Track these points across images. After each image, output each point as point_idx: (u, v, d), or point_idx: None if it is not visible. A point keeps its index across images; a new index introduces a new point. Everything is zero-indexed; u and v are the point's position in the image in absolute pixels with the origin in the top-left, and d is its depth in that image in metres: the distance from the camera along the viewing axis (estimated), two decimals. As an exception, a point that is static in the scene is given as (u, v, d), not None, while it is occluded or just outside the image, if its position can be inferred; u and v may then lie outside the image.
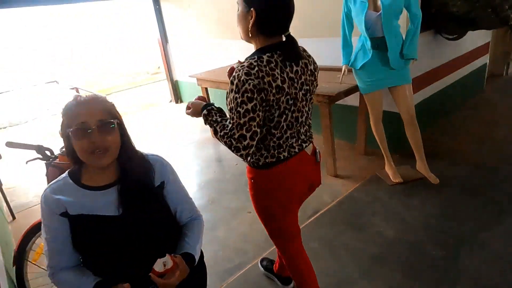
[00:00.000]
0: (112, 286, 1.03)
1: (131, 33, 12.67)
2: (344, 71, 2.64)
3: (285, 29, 1.24)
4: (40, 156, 1.72)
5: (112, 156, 1.06)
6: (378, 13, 2.26)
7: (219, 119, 1.28)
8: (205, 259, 1.32)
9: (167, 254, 1.05)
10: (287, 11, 1.21)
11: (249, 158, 1.31)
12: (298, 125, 1.32)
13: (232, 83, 1.18)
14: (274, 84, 1.17)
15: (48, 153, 1.78)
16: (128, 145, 1.12)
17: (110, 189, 1.09)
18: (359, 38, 2.48)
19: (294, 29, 1.28)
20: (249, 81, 1.14)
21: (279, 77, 1.19)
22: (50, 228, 1.07)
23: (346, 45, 2.56)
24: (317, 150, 1.46)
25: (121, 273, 1.07)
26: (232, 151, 1.21)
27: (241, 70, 1.16)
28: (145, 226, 1.10)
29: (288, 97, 1.23)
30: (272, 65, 1.19)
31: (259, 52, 1.22)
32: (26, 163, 1.75)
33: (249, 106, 1.16)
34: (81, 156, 1.04)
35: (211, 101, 1.42)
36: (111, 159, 1.06)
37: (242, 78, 1.15)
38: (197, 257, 1.17)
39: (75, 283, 1.07)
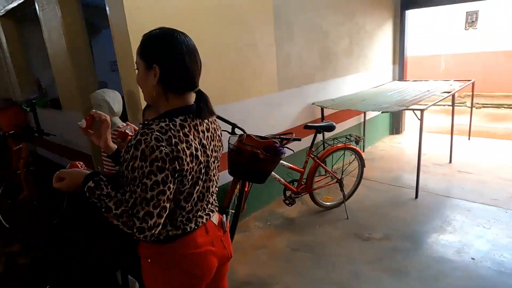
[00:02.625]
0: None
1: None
2: None
3: (196, 83, 1.10)
4: (228, 130, 2.41)
5: None
6: None
7: (112, 193, 1.01)
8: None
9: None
10: (196, 62, 1.09)
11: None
12: (208, 195, 1.19)
13: (136, 148, 0.96)
14: (188, 152, 1.02)
15: (238, 131, 2.42)
16: None
17: None
18: None
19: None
20: (161, 147, 0.96)
21: (193, 143, 1.05)
22: None
23: None
24: (224, 220, 1.29)
25: None
26: (134, 232, 0.98)
27: (150, 134, 0.96)
28: None
29: (201, 165, 1.09)
30: (186, 130, 1.04)
31: (170, 114, 1.05)
32: None
33: (159, 177, 0.97)
34: None
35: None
36: None
37: (151, 144, 0.95)
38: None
39: None
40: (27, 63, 4.37)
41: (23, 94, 4.39)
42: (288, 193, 2.96)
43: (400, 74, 5.27)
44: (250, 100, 3.04)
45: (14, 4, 3.69)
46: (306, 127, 2.89)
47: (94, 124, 1.31)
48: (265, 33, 3.04)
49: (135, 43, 2.15)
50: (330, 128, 2.85)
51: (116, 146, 1.33)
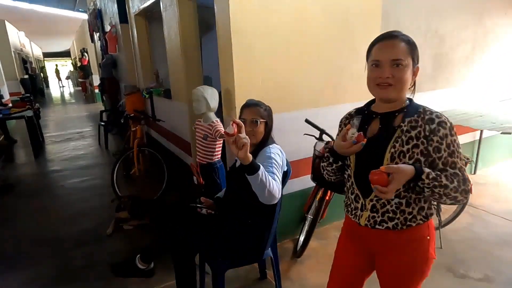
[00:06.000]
0: None
1: None
2: None
3: None
4: (315, 135, 2.35)
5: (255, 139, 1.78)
6: None
7: (442, 178, 1.10)
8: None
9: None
10: None
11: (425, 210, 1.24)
12: None
13: (444, 126, 1.14)
14: None
15: (326, 138, 2.35)
16: (264, 139, 1.81)
17: None
18: None
19: None
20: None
21: None
22: None
23: None
24: None
25: None
26: (464, 202, 1.20)
27: (442, 115, 1.17)
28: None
29: None
30: None
31: (420, 105, 1.24)
32: (304, 134, 2.44)
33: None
34: None
35: None
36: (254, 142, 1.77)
37: (451, 122, 1.16)
38: (258, 171, 1.44)
39: None
40: (150, 56, 5.01)
41: (145, 82, 5.06)
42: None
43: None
44: (344, 106, 2.91)
45: (146, 4, 4.26)
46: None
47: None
48: (370, 37, 2.85)
49: (236, 44, 2.27)
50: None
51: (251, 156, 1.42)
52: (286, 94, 2.55)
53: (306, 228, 2.76)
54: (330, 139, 2.37)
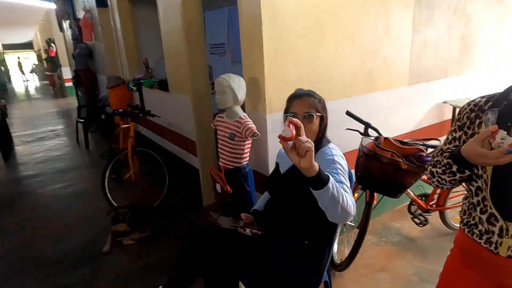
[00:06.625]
0: None
1: None
2: None
3: None
4: (360, 130, 2.02)
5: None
6: None
7: None
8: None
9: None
10: None
11: None
12: None
13: None
14: None
15: (372, 132, 2.01)
16: (319, 138, 1.45)
17: None
18: None
19: None
20: None
21: None
22: None
23: None
24: None
25: None
26: None
27: None
28: None
29: None
30: None
31: None
32: (346, 129, 2.11)
33: None
34: None
35: None
36: None
37: None
38: (328, 184, 1.07)
39: None
40: (136, 43, 4.46)
41: (130, 73, 4.52)
42: (413, 209, 2.49)
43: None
44: (376, 94, 2.59)
45: (130, -16, 3.73)
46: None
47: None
48: (403, 15, 2.54)
49: (267, 23, 1.86)
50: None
51: (317, 165, 1.02)
52: (319, 82, 2.18)
53: (340, 235, 2.44)
54: (377, 134, 2.04)
